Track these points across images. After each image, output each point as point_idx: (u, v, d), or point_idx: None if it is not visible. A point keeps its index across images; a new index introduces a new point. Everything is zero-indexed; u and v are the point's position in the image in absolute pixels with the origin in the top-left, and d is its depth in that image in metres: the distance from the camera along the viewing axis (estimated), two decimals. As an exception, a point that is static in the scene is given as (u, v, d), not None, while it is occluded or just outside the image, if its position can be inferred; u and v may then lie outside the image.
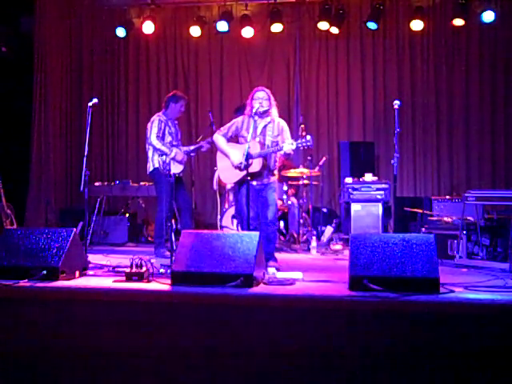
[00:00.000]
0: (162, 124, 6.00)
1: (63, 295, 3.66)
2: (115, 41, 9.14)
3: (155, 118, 6.05)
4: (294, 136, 5.33)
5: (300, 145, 4.98)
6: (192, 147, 6.20)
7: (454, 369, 3.17)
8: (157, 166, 5.95)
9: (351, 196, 6.89)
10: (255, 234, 3.89)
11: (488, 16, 7.85)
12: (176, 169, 5.99)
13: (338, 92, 8.97)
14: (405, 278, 3.50)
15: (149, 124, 6.06)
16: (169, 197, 5.70)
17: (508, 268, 4.61)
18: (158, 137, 5.93)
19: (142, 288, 3.69)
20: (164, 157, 5.86)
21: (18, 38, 8.57)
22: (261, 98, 5.20)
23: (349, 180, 7.05)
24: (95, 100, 5.18)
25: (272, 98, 5.29)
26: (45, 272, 3.79)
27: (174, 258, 4.32)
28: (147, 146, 6.05)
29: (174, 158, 5.95)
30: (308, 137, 4.99)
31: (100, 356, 3.48)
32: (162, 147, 5.91)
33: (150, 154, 6.03)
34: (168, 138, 6.02)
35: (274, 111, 5.32)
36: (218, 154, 5.50)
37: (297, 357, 3.31)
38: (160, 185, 5.91)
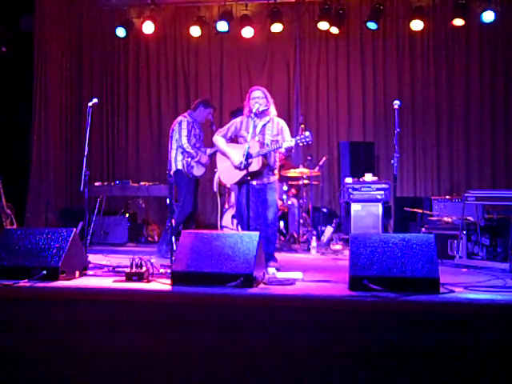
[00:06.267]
0: (190, 125, 6.06)
1: (63, 295, 3.66)
2: (115, 41, 9.14)
3: (183, 120, 6.08)
4: (294, 136, 5.32)
5: (299, 141, 4.96)
6: (209, 150, 6.21)
7: (454, 369, 3.17)
8: (180, 167, 5.98)
9: (351, 196, 6.88)
10: (255, 234, 3.89)
11: (488, 16, 7.84)
12: (199, 171, 6.08)
13: (337, 92, 8.97)
14: (405, 278, 3.50)
15: (175, 125, 6.08)
16: (192, 198, 5.80)
17: (508, 268, 4.61)
18: (188, 139, 5.97)
19: (142, 288, 3.69)
20: (189, 159, 5.90)
21: (18, 38, 8.56)
22: (257, 97, 5.21)
23: (349, 180, 7.05)
24: (95, 100, 5.18)
25: (269, 96, 5.29)
26: (45, 272, 3.79)
27: (174, 257, 4.32)
28: (171, 146, 6.07)
29: (199, 161, 6.00)
30: (307, 133, 4.97)
31: (100, 356, 3.48)
32: (191, 150, 5.97)
33: (173, 153, 6.06)
34: (193, 140, 6.08)
35: (273, 109, 5.32)
36: (218, 155, 5.50)
37: (297, 357, 3.31)
38: (182, 186, 5.96)
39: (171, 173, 6.08)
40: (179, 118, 6.14)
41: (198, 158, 6.00)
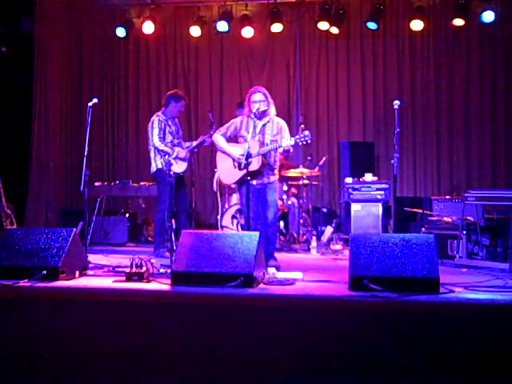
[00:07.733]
0: (162, 124, 6.00)
1: (63, 295, 3.66)
2: (115, 41, 9.14)
3: (154, 119, 6.03)
4: (294, 136, 5.32)
5: (298, 140, 4.97)
6: (194, 143, 6.20)
7: (454, 369, 3.17)
8: (160, 166, 5.95)
9: (351, 196, 6.88)
10: (255, 234, 3.89)
11: (488, 16, 7.84)
12: (179, 168, 6.00)
13: (337, 92, 8.97)
14: (405, 278, 3.50)
15: (149, 125, 6.05)
16: (170, 197, 5.71)
17: (508, 268, 4.61)
18: (160, 138, 5.93)
19: (142, 288, 3.69)
20: (167, 157, 5.87)
21: (18, 38, 8.57)
22: (258, 100, 5.21)
23: (349, 180, 7.05)
24: (95, 100, 5.18)
25: (269, 97, 5.30)
26: (45, 272, 3.80)
27: (173, 257, 4.33)
28: (149, 147, 6.06)
29: (177, 157, 5.96)
30: (306, 132, 4.98)
31: (100, 356, 3.48)
32: (164, 148, 5.92)
33: (152, 154, 6.03)
34: (169, 138, 6.03)
35: (272, 109, 5.33)
36: (218, 155, 5.51)
37: (297, 357, 3.31)
38: (162, 184, 5.92)
39: (151, 173, 6.07)
40: (152, 118, 6.10)
41: (176, 155, 5.96)
